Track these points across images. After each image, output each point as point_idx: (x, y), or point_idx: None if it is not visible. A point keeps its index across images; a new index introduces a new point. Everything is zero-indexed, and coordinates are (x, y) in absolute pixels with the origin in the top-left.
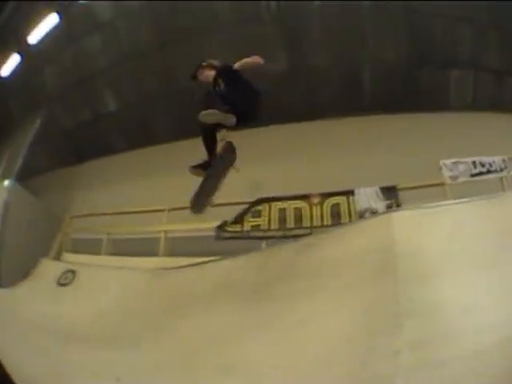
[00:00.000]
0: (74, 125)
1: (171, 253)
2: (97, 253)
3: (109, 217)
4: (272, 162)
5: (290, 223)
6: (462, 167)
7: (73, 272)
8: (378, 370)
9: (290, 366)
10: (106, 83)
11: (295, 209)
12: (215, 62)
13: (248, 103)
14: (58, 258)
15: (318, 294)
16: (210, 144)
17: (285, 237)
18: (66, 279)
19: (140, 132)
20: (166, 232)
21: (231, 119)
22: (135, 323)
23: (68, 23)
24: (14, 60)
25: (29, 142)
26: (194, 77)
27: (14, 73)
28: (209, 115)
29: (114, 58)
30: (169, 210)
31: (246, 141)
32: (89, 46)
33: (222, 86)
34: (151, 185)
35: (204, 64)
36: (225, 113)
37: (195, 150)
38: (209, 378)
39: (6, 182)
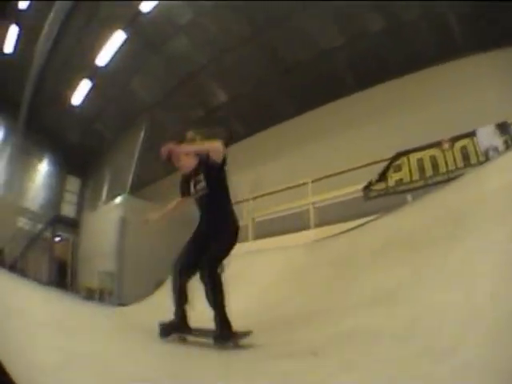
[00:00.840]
0: (188, 123)
1: (321, 223)
2: (243, 240)
3: (250, 201)
4: (396, 114)
5: (429, 172)
6: None
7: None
8: None
9: (460, 309)
10: (209, 78)
11: (431, 157)
12: (201, 143)
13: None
14: None
15: (468, 235)
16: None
17: (427, 186)
18: None
19: (258, 115)
20: (313, 204)
21: None
22: (304, 299)
23: (141, 35)
24: (86, 86)
25: (137, 154)
26: (169, 160)
27: (92, 97)
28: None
29: (208, 53)
30: (309, 183)
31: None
32: (176, 48)
33: (200, 187)
34: (284, 163)
35: (185, 147)
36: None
37: (317, 122)
38: (393, 334)
39: (118, 199)
